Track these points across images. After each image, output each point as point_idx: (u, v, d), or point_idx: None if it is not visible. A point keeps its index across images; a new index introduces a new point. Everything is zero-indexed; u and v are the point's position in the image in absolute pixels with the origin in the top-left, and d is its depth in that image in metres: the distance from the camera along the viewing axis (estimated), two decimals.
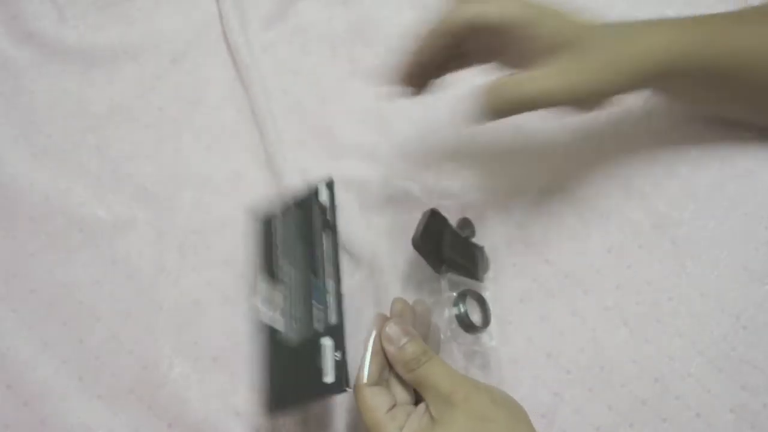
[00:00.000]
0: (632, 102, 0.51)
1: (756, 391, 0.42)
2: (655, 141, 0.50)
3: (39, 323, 0.45)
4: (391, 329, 0.36)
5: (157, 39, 0.55)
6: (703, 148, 0.49)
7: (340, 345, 0.37)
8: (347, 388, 0.36)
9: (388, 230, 0.48)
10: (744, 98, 0.44)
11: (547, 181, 0.49)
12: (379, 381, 0.36)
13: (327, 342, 0.37)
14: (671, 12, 0.54)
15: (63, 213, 0.48)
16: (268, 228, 0.45)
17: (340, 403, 0.42)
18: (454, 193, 0.47)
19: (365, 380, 0.36)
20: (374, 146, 0.51)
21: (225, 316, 0.45)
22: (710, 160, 0.49)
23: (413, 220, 0.48)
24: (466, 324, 0.41)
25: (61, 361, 0.44)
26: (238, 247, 0.47)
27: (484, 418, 0.34)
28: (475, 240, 0.46)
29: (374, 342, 0.37)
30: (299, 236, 0.42)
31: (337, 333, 0.37)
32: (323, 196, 0.42)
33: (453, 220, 0.45)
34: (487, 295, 0.43)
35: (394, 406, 0.36)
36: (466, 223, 0.46)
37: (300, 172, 0.50)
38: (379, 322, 0.38)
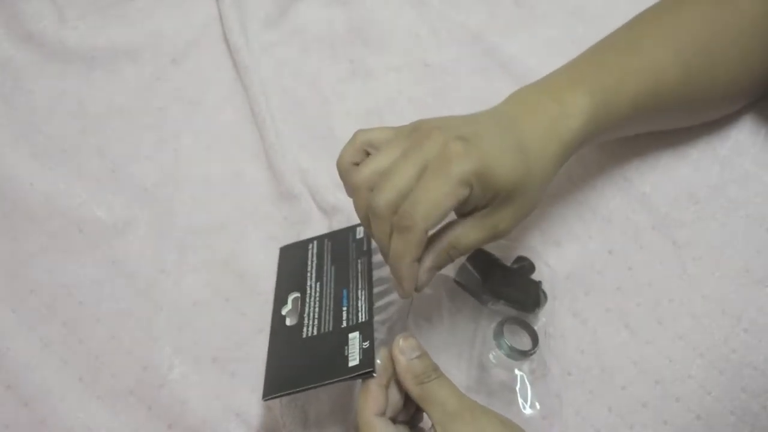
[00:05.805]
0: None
1: (756, 393, 0.41)
2: (655, 142, 0.50)
3: (39, 323, 0.45)
4: (405, 342, 0.37)
5: (157, 39, 0.55)
6: (703, 150, 0.49)
7: (368, 337, 0.38)
8: (374, 374, 0.36)
9: None
10: (665, 121, 0.47)
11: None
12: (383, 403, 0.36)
13: (355, 335, 0.38)
14: None
15: (63, 213, 0.48)
16: (298, 259, 0.44)
17: (341, 403, 0.42)
18: None
19: (378, 360, 0.36)
20: None
21: (225, 316, 0.45)
22: (711, 161, 0.48)
23: None
24: (514, 352, 0.40)
25: (61, 361, 0.44)
26: (238, 247, 0.47)
27: None
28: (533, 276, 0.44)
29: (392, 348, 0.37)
30: (333, 263, 0.43)
31: (366, 328, 0.38)
32: (360, 233, 0.43)
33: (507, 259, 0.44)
34: (536, 326, 0.42)
35: None
36: (521, 260, 0.44)
37: (300, 172, 0.50)
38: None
